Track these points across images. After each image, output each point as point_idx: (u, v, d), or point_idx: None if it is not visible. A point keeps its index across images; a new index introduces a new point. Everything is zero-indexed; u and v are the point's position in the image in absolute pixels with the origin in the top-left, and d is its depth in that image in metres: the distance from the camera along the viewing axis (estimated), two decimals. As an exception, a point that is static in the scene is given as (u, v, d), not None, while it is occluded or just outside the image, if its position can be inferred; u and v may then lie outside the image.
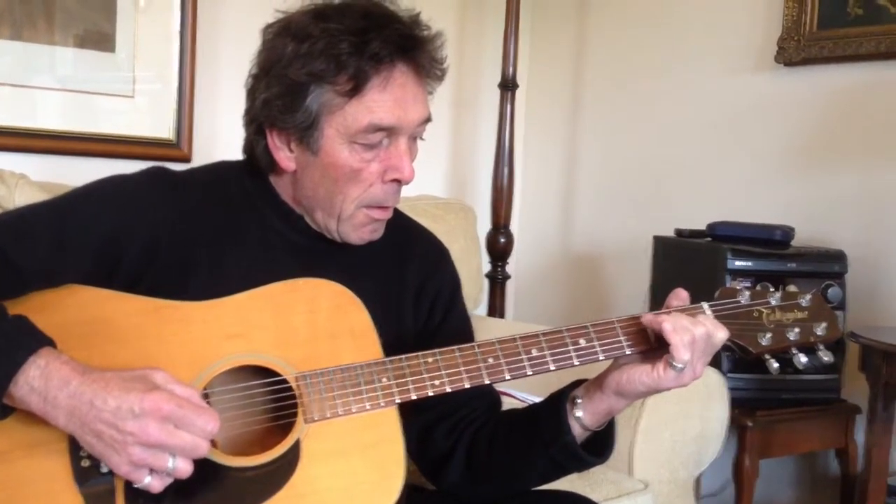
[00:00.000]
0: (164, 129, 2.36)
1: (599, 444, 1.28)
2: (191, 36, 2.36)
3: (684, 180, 2.76)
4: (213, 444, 1.14)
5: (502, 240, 2.72)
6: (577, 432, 1.25)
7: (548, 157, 3.13)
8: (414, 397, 1.18)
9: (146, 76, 2.33)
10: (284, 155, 1.28)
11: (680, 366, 1.16)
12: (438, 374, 1.18)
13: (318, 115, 1.23)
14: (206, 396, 1.16)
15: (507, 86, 2.67)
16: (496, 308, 2.75)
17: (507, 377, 1.19)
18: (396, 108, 1.23)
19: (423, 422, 1.36)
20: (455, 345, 1.21)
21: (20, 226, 1.20)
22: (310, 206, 1.31)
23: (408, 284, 1.40)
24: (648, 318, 1.19)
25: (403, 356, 1.19)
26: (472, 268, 2.45)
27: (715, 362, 2.03)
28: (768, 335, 1.22)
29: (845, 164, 2.40)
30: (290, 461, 1.12)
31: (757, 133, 2.58)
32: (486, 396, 1.40)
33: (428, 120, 1.29)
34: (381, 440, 1.15)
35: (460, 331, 1.41)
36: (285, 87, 1.23)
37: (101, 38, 2.25)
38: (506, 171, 2.69)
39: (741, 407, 2.11)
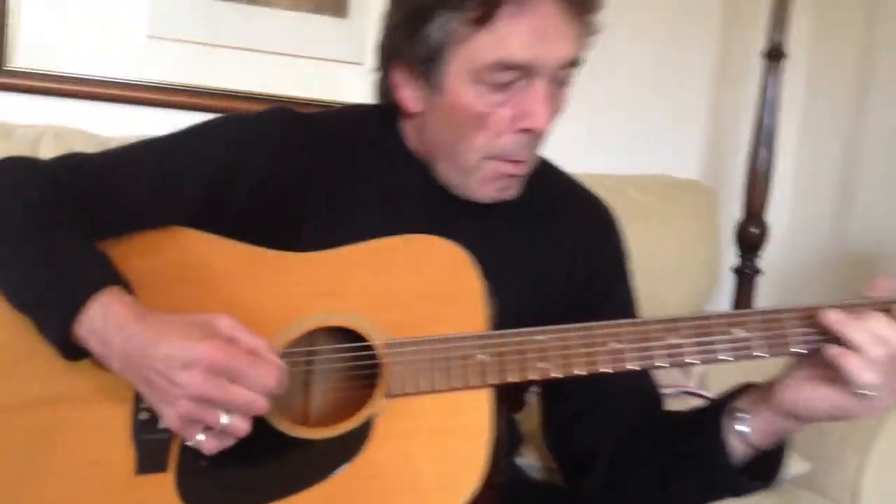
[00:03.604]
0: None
1: (769, 464, 1.04)
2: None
3: None
4: (306, 412, 1.05)
5: (754, 230, 2.40)
6: (739, 450, 1.03)
7: (823, 141, 2.74)
8: (512, 380, 0.99)
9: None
10: (408, 93, 1.15)
11: (865, 392, 0.90)
12: (546, 354, 0.99)
13: (442, 46, 1.08)
14: (289, 356, 1.05)
15: (773, 55, 2.33)
16: (742, 305, 2.45)
17: (632, 366, 0.99)
18: (533, 41, 1.05)
19: (562, 414, 1.18)
20: None
21: (125, 163, 1.16)
22: (434, 154, 1.17)
23: (559, 250, 1.22)
24: (825, 319, 0.96)
25: (509, 331, 1.01)
26: (706, 256, 2.18)
27: None
28: None
29: None
30: (360, 438, 0.99)
31: None
32: (642, 391, 1.19)
33: (575, 62, 1.09)
34: (466, 426, 0.99)
35: (623, 312, 1.20)
36: (409, 11, 1.10)
37: (334, 3, 2.20)
38: (764, 151, 2.36)
39: None
